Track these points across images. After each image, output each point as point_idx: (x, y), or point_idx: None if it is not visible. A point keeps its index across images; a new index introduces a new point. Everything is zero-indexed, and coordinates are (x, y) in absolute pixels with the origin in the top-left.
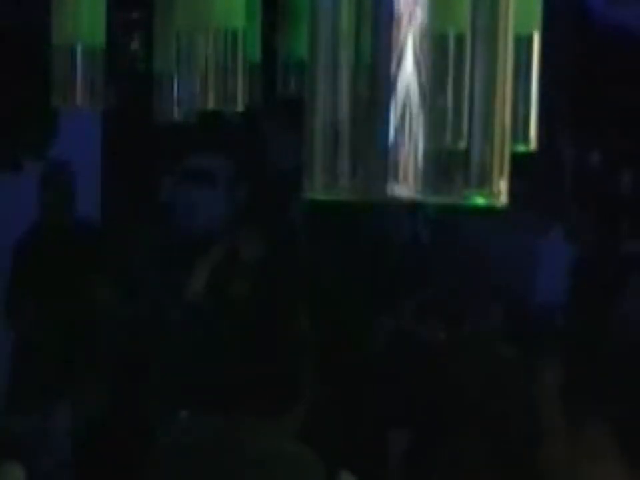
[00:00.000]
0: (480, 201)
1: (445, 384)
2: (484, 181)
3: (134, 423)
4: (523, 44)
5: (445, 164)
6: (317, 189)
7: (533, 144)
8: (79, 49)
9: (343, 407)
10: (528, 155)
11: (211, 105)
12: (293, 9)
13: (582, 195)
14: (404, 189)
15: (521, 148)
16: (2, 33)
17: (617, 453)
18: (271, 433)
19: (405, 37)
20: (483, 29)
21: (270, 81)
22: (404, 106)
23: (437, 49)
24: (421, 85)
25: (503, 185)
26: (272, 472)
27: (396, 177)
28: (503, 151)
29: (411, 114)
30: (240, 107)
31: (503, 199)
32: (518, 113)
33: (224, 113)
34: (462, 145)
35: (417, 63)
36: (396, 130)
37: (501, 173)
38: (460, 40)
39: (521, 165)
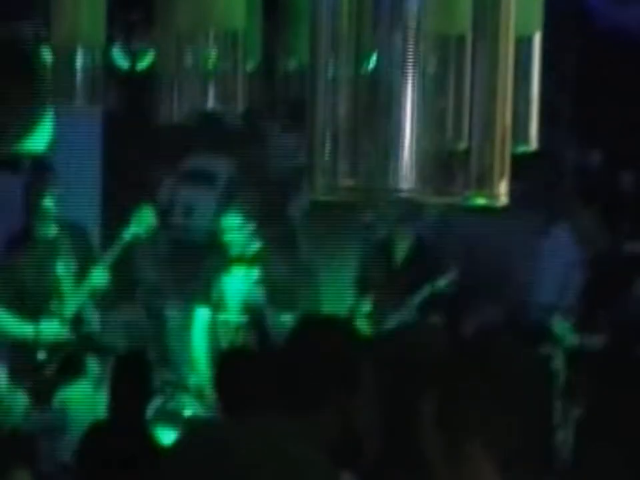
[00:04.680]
0: (480, 200)
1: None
2: (484, 181)
3: (134, 423)
4: (524, 45)
5: (445, 164)
6: (317, 189)
7: (533, 144)
8: (79, 49)
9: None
10: (528, 155)
11: (210, 105)
12: (293, 10)
13: (582, 194)
14: (404, 189)
15: (521, 148)
16: (2, 33)
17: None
18: (279, 434)
19: (406, 38)
20: (484, 30)
21: (270, 81)
22: (404, 107)
23: (438, 50)
24: (421, 86)
25: (503, 185)
26: (276, 472)
27: (396, 178)
28: (504, 151)
29: (411, 115)
30: (240, 107)
31: (503, 199)
32: (518, 113)
33: (224, 113)
34: (462, 145)
35: (418, 64)
36: (396, 131)
37: (501, 172)
38: (461, 41)
39: (521, 165)
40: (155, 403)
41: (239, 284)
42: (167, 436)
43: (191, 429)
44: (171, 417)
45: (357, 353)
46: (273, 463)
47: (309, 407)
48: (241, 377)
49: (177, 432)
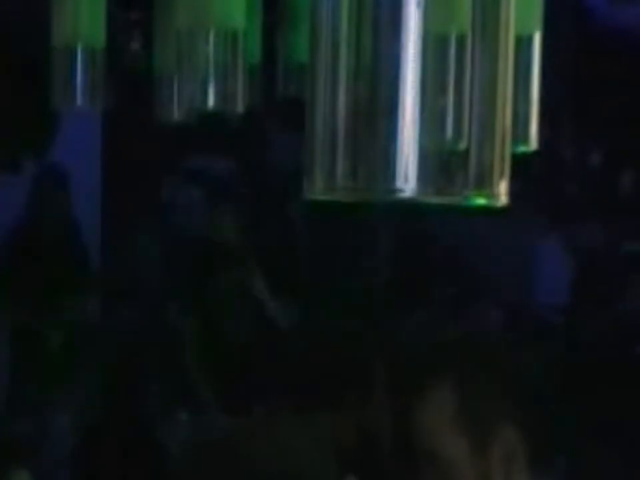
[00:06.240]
0: (480, 201)
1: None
2: (484, 181)
3: (134, 423)
4: (524, 44)
5: (445, 164)
6: (316, 190)
7: (533, 144)
8: (79, 49)
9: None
10: (528, 155)
11: (211, 105)
12: (293, 9)
13: (582, 194)
14: (404, 189)
15: (521, 148)
16: (2, 34)
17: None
18: (283, 434)
19: (406, 38)
20: (484, 29)
21: (270, 81)
22: (404, 106)
23: (438, 50)
24: (421, 86)
25: (503, 185)
26: (280, 470)
27: (396, 178)
28: (504, 151)
29: (411, 114)
30: (240, 107)
31: (503, 199)
32: (518, 113)
33: (224, 113)
34: (462, 145)
35: (418, 63)
36: (396, 130)
37: (501, 173)
38: (461, 40)
39: (521, 165)
40: (156, 403)
41: None
42: (167, 436)
43: (194, 430)
44: (171, 416)
45: (369, 354)
46: (277, 463)
47: (319, 407)
48: (245, 375)
49: (178, 432)
